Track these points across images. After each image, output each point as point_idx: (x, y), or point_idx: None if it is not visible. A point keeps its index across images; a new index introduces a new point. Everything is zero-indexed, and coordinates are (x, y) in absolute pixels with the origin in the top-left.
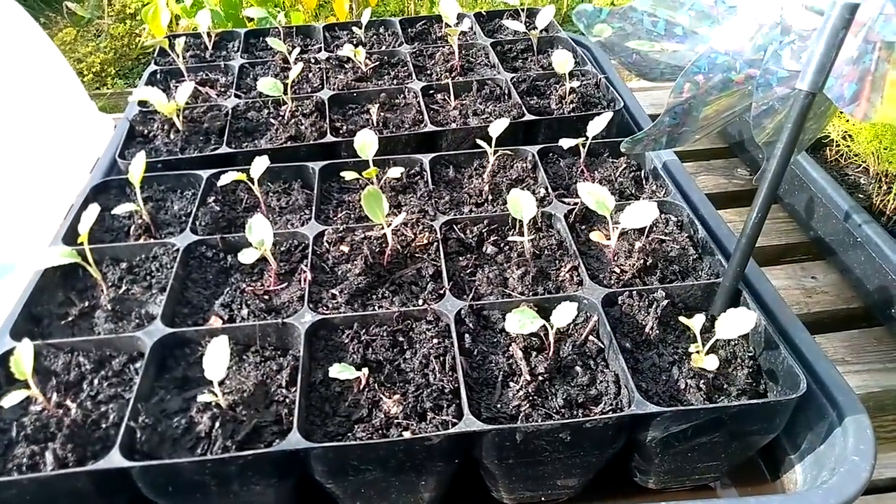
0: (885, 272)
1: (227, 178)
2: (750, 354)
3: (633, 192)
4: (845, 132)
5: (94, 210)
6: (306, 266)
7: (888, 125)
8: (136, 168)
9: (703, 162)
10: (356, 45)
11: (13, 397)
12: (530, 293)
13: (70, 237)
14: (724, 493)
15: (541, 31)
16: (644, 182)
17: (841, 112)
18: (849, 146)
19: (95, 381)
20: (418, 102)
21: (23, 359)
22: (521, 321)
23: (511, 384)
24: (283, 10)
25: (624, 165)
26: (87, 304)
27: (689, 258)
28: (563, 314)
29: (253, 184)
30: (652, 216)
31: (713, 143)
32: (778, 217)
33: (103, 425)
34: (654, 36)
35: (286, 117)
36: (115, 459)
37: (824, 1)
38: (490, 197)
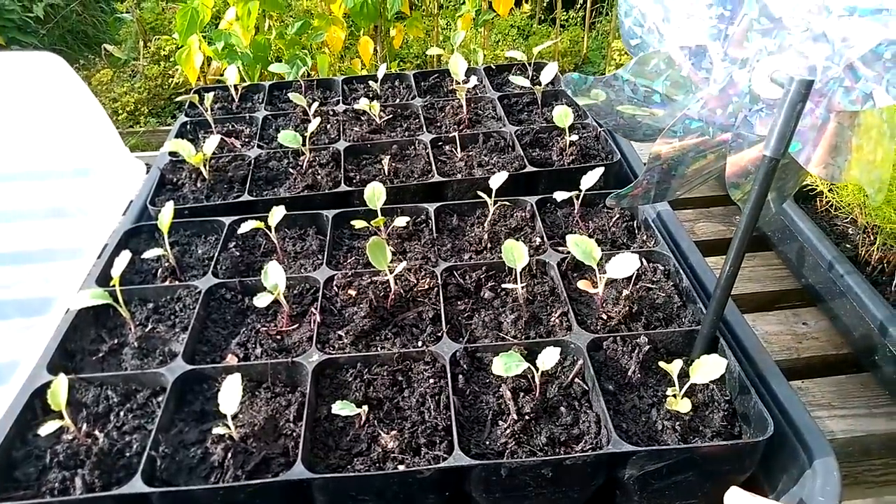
0: (866, 322)
1: (246, 227)
2: (726, 398)
3: (625, 241)
4: (832, 184)
5: (125, 256)
6: (316, 309)
7: None
8: (165, 216)
9: (702, 209)
10: (371, 99)
11: (49, 427)
12: (522, 337)
13: (103, 278)
14: None
15: (545, 86)
16: (637, 232)
17: None
18: (835, 198)
19: (121, 413)
20: (427, 154)
21: (59, 392)
22: (507, 364)
23: (500, 423)
24: (311, 52)
25: (618, 216)
26: (116, 341)
27: (674, 306)
28: (548, 358)
29: (270, 231)
30: (633, 267)
31: (713, 190)
32: (773, 264)
33: (127, 454)
34: (635, 101)
35: (304, 167)
36: (137, 486)
37: (786, 74)
38: (489, 245)
